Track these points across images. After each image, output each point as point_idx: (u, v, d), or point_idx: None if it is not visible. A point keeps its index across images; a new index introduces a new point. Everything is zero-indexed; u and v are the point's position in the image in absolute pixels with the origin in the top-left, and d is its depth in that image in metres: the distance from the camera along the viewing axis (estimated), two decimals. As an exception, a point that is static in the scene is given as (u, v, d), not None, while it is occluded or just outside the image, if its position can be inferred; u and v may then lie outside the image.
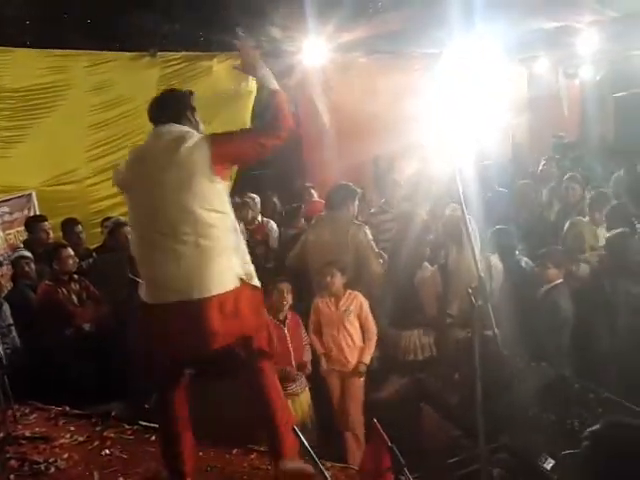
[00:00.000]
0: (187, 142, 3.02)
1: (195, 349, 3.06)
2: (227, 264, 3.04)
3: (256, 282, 3.17)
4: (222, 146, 3.07)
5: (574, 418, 3.49)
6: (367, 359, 4.70)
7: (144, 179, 3.06)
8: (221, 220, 3.05)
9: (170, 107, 3.25)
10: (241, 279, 3.07)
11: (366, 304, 4.75)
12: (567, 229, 5.37)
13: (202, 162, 2.99)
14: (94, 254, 6.38)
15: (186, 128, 3.16)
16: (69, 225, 6.43)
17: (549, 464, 3.39)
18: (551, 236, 5.81)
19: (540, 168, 8.85)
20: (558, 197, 7.07)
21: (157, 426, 3.61)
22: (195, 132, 3.15)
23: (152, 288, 3.07)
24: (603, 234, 5.38)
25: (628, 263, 4.58)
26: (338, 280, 4.70)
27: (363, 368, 4.66)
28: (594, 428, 1.91)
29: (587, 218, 5.75)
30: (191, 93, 3.38)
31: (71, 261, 5.35)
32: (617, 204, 5.77)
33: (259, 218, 7.14)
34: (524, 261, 5.31)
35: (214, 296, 2.96)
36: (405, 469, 2.73)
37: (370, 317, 4.75)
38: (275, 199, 8.04)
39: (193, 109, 3.31)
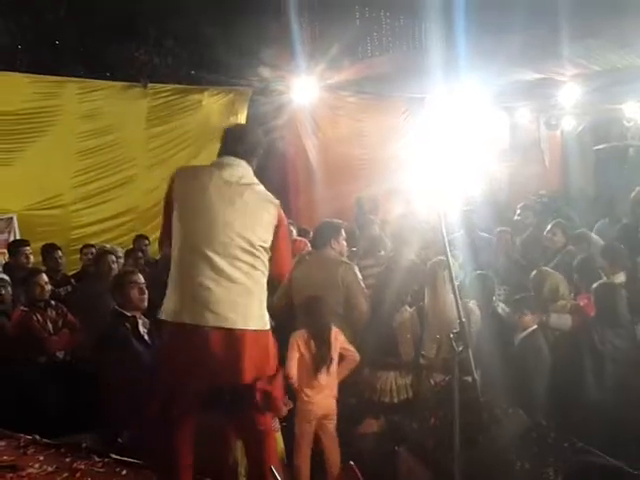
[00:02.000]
0: (260, 187, 3.20)
1: (225, 378, 3.02)
2: (265, 304, 3.13)
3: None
4: (283, 219, 3.21)
5: (549, 467, 3.49)
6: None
7: (213, 196, 3.06)
8: (264, 261, 3.11)
9: (246, 143, 3.28)
10: (270, 324, 3.15)
11: (341, 334, 4.65)
12: (539, 277, 5.42)
13: (270, 211, 3.13)
14: (72, 281, 6.33)
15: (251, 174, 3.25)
16: (49, 250, 6.38)
17: (523, 512, 3.39)
18: (525, 283, 5.86)
19: (516, 217, 8.98)
20: (538, 244, 7.12)
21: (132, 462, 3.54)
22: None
23: (188, 306, 3.01)
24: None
25: (614, 314, 4.60)
26: None
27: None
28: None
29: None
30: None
31: (46, 287, 5.29)
32: (587, 256, 5.86)
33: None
34: (501, 307, 5.36)
35: (254, 331, 3.00)
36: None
37: (348, 344, 4.67)
38: None
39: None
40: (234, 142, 3.26)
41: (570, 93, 10.16)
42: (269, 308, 3.25)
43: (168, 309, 3.07)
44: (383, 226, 7.42)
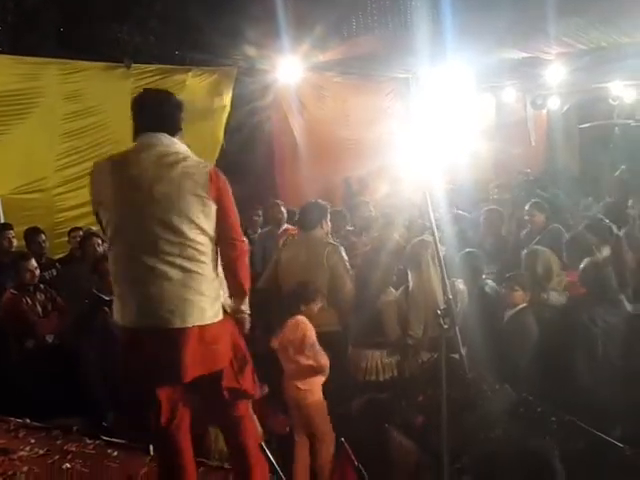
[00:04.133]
0: (187, 161, 2.86)
1: (167, 381, 2.89)
2: (214, 293, 2.88)
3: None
4: (219, 181, 2.88)
5: (536, 441, 3.54)
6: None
7: (129, 191, 2.80)
8: (210, 245, 2.88)
9: (166, 114, 2.96)
10: (225, 311, 2.94)
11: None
12: (532, 257, 5.45)
13: (198, 183, 2.80)
14: (57, 264, 6.29)
15: (184, 147, 2.96)
16: (32, 234, 6.32)
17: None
18: (514, 261, 5.89)
19: (492, 196, 9.02)
20: (521, 224, 7.17)
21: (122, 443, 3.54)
22: (193, 155, 2.96)
23: (128, 310, 2.85)
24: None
25: (603, 291, 4.61)
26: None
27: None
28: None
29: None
30: (182, 104, 3.08)
31: (35, 272, 5.27)
32: (576, 233, 5.88)
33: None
34: (488, 286, 5.39)
35: (196, 327, 2.80)
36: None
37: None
38: (258, 214, 7.91)
39: (181, 122, 3.04)
40: (147, 115, 2.95)
41: (556, 72, 10.18)
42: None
43: (115, 312, 2.95)
44: (370, 204, 7.45)
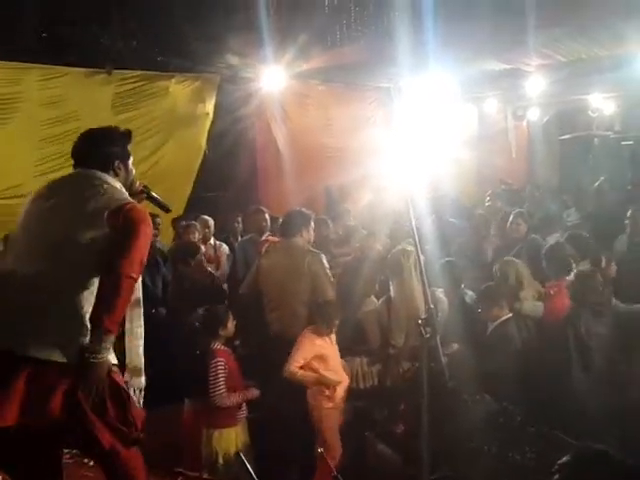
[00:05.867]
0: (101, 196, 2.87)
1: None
2: (69, 327, 2.72)
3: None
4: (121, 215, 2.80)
5: (515, 451, 3.55)
6: None
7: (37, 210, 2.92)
8: (80, 280, 2.76)
9: (99, 150, 3.01)
10: (83, 355, 2.68)
11: None
12: (504, 267, 5.47)
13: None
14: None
15: (109, 179, 2.98)
16: (11, 241, 6.24)
17: (490, 496, 3.44)
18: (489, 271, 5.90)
19: (486, 204, 9.08)
20: (502, 233, 7.20)
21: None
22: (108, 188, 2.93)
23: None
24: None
25: (589, 302, 4.62)
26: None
27: None
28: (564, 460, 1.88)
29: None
30: (129, 134, 3.14)
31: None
32: (556, 244, 5.91)
33: (212, 241, 7.08)
34: (468, 295, 5.41)
35: (32, 358, 2.63)
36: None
37: None
38: (238, 221, 7.87)
39: (128, 156, 3.10)
40: (80, 154, 3.04)
41: (536, 83, 10.28)
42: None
43: None
44: (351, 213, 7.46)
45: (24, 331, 2.68)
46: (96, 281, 2.76)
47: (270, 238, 6.34)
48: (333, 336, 4.71)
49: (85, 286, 2.75)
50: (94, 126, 3.20)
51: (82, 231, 2.77)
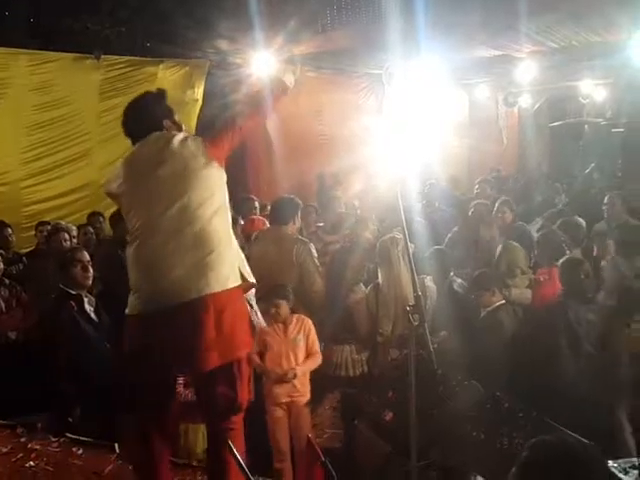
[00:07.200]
0: (177, 136, 2.98)
1: (186, 365, 2.86)
2: (227, 259, 2.87)
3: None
4: (213, 133, 3.06)
5: (504, 437, 3.56)
6: (303, 369, 4.46)
7: (139, 183, 2.93)
8: (220, 212, 2.92)
9: (147, 116, 3.10)
10: (242, 276, 2.95)
11: (313, 329, 4.57)
12: (500, 252, 5.48)
13: (196, 149, 2.92)
14: (24, 259, 6.18)
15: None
16: (-2, 228, 6.21)
17: (479, 482, 3.45)
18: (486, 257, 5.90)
19: (475, 191, 9.07)
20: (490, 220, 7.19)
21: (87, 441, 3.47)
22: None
23: (149, 297, 2.84)
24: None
25: (578, 289, 4.59)
26: (284, 309, 4.50)
27: (292, 375, 4.39)
28: (524, 454, 1.88)
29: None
30: (163, 94, 3.22)
31: (-3, 266, 5.18)
32: (548, 231, 5.91)
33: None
34: (457, 283, 5.40)
35: (212, 295, 2.76)
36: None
37: (317, 344, 4.59)
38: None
39: (171, 112, 3.20)
40: (137, 125, 3.11)
41: (527, 70, 10.25)
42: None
43: (131, 304, 2.92)
44: (342, 200, 7.43)
45: None
46: None
47: (255, 218, 6.31)
48: (290, 327, 4.52)
49: None
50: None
51: None
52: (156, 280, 2.80)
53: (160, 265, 2.80)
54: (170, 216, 2.82)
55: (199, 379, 2.96)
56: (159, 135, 3.03)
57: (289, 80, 3.28)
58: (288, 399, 4.42)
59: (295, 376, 4.39)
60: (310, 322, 4.60)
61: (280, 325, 4.51)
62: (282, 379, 4.39)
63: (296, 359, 4.46)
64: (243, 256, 3.10)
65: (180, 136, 2.99)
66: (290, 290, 4.59)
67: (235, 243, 3.03)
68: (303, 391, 4.46)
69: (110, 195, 3.12)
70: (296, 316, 4.59)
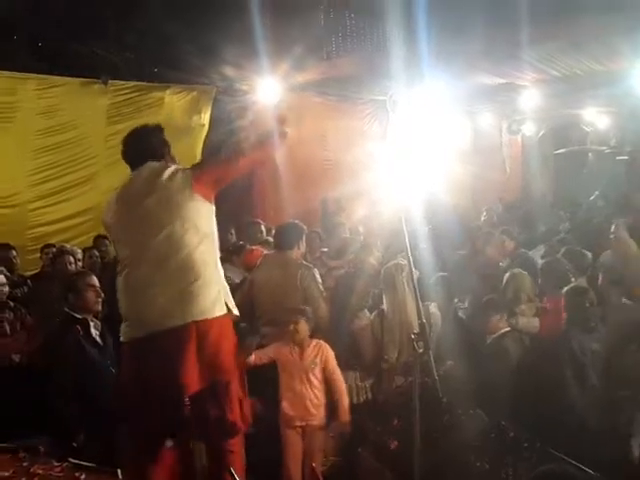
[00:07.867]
0: (168, 169, 3.06)
1: (171, 391, 2.85)
2: (212, 288, 2.95)
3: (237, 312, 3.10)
4: (202, 169, 3.11)
5: (508, 467, 3.52)
6: (346, 418, 4.43)
7: (127, 213, 3.04)
8: (206, 242, 2.99)
9: (145, 146, 3.22)
10: (227, 306, 3.00)
11: (332, 356, 4.52)
12: (507, 280, 5.46)
13: (183, 182, 2.99)
14: (29, 281, 6.18)
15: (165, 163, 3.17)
16: (3, 250, 6.20)
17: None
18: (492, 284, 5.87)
19: (483, 218, 9.10)
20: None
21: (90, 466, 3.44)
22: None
23: (138, 325, 2.94)
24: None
25: (583, 317, 4.57)
26: (303, 328, 4.46)
27: (345, 429, 4.44)
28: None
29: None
30: (161, 128, 3.35)
31: (3, 290, 5.17)
32: (552, 259, 5.89)
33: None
34: (462, 310, 5.39)
35: (195, 322, 2.84)
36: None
37: (338, 371, 4.52)
38: (231, 233, 7.83)
39: (167, 145, 3.30)
40: (134, 153, 3.23)
41: (530, 98, 10.33)
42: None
43: (122, 331, 3.02)
44: (346, 226, 7.44)
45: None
46: None
47: (254, 248, 6.30)
48: (307, 351, 4.48)
49: None
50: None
51: None
52: (143, 308, 2.92)
53: (147, 293, 2.91)
54: (156, 245, 2.92)
55: (191, 402, 2.98)
56: (151, 167, 3.12)
57: (287, 128, 3.41)
58: (303, 423, 4.42)
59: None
60: (329, 349, 4.55)
61: (296, 348, 4.49)
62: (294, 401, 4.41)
63: (310, 384, 4.44)
64: (228, 289, 3.13)
65: (171, 169, 3.07)
66: (310, 312, 4.60)
67: (221, 273, 3.09)
68: (318, 415, 4.45)
69: (105, 225, 3.25)
70: (315, 341, 4.56)
